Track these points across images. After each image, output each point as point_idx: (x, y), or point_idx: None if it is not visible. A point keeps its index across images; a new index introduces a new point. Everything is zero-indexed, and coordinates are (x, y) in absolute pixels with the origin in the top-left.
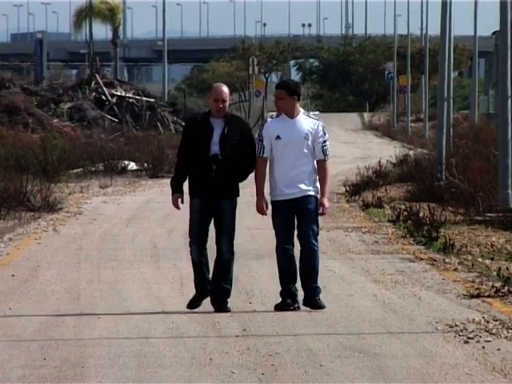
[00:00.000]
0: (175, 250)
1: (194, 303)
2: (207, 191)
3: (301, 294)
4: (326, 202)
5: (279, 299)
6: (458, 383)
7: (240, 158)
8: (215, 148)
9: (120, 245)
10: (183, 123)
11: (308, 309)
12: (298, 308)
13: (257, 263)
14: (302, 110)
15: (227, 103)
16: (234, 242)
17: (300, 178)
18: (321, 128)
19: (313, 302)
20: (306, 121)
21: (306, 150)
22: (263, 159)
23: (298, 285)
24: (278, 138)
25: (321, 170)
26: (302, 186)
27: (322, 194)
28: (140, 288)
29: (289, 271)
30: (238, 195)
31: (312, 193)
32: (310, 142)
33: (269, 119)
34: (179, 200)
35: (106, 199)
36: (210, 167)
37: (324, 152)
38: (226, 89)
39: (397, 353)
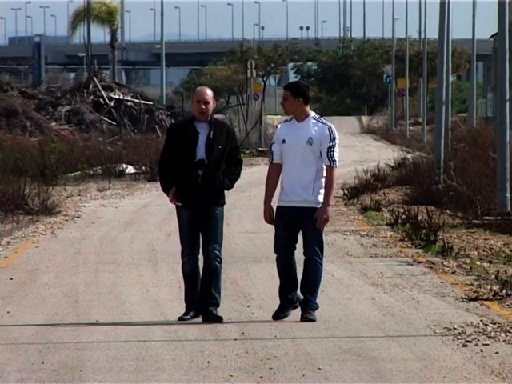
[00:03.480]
0: (173, 254)
1: (182, 318)
2: (194, 198)
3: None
4: (324, 213)
5: (277, 303)
6: None
7: (226, 163)
8: (201, 153)
9: (118, 248)
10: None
11: None
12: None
13: (255, 267)
14: (312, 114)
15: (210, 105)
16: (223, 249)
17: (303, 183)
18: (327, 132)
19: (304, 318)
20: (314, 125)
21: (309, 156)
22: (273, 165)
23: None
24: (283, 142)
25: (326, 176)
26: (308, 197)
27: (323, 203)
28: (138, 291)
29: (286, 279)
30: (225, 202)
31: (318, 205)
32: (314, 147)
33: (279, 124)
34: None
35: (104, 203)
36: (196, 173)
37: (329, 158)
38: (209, 91)
39: (395, 356)
